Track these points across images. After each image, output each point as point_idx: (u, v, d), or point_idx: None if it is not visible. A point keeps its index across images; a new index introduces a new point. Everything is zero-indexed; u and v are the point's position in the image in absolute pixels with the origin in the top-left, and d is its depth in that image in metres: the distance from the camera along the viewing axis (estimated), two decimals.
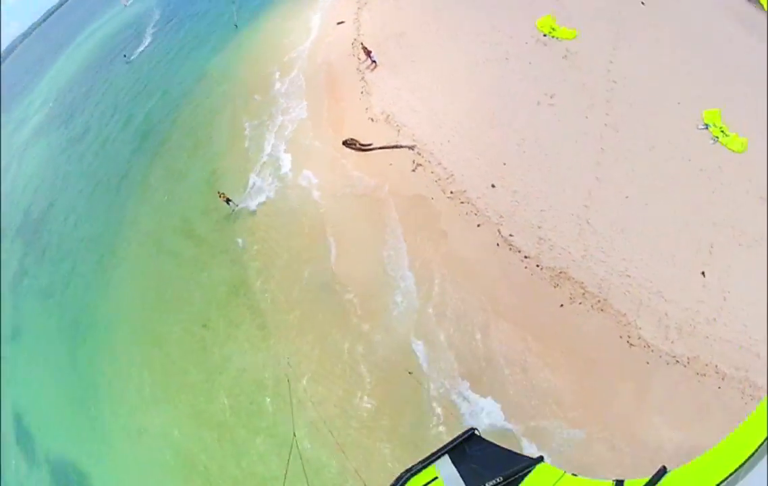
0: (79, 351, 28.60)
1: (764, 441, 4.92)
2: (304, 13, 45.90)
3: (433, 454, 8.47)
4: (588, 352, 17.54)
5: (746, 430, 5.38)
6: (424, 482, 8.03)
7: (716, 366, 17.10)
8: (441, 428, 17.57)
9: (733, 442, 5.42)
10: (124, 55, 61.77)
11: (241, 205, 28.80)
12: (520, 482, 7.55)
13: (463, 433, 8.84)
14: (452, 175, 24.23)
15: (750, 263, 19.29)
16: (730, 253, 19.70)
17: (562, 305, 18.88)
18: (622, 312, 18.43)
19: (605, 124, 25.42)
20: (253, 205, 28.79)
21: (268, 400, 21.01)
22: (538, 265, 20.00)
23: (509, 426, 16.79)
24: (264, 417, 20.71)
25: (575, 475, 7.61)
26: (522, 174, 23.55)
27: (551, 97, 27.26)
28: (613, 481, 6.82)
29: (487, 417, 17.10)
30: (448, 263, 21.34)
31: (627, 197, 21.88)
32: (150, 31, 66.96)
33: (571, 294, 19.02)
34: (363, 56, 34.50)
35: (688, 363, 17.29)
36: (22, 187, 49.08)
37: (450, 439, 8.72)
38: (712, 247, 20.05)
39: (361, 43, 34.99)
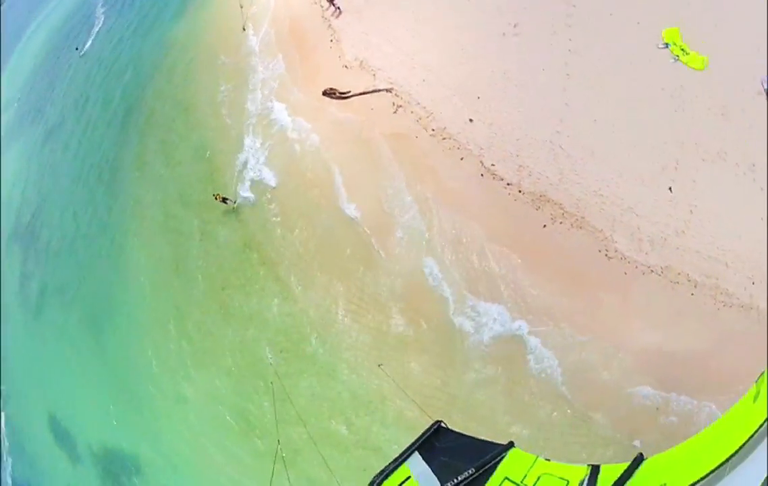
0: (107, 339, 28.98)
1: (753, 435, 4.71)
2: None
3: (402, 454, 8.41)
4: (572, 266, 18.88)
5: (731, 421, 5.25)
6: (397, 483, 7.99)
7: (688, 274, 18.56)
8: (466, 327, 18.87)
9: (717, 432, 5.38)
10: (77, 48, 56.67)
11: (239, 201, 28.24)
12: (493, 471, 7.47)
13: (430, 428, 8.80)
14: (431, 113, 24.65)
15: (714, 177, 20.64)
16: (695, 169, 20.93)
17: (545, 226, 20.08)
18: (598, 228, 19.69)
19: (569, 50, 26.02)
20: (249, 185, 28.62)
21: (298, 341, 22.33)
22: (519, 191, 20.99)
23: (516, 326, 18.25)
24: (302, 358, 21.72)
25: (548, 459, 7.62)
26: (495, 106, 24.13)
27: (515, 27, 27.62)
28: (588, 465, 6.73)
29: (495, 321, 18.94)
30: (441, 195, 22.21)
31: (595, 120, 22.80)
32: (100, 11, 61.28)
33: (551, 214, 20.18)
34: (326, 4, 33.74)
35: (662, 272, 18.77)
36: (6, 193, 45.54)
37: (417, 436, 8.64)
38: (677, 163, 21.24)
39: None
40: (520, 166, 21.62)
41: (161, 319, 26.96)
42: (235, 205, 27.87)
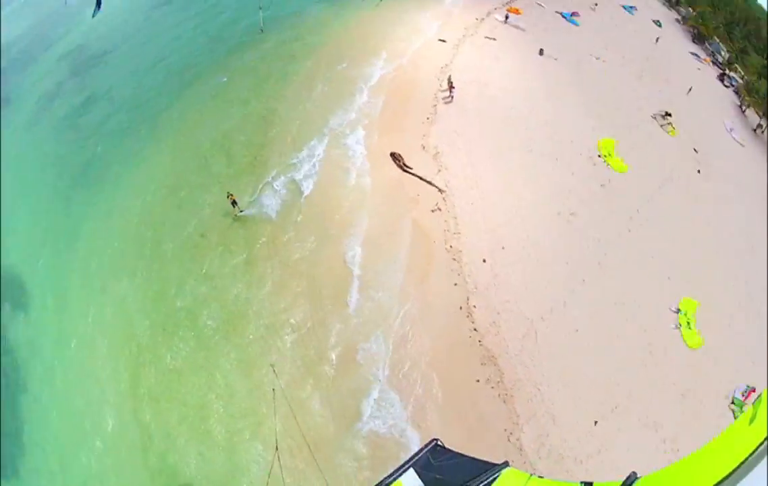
0: (78, 194, 30.02)
1: (747, 458, 4.57)
2: (423, 13, 48.61)
3: (397, 469, 8.41)
4: (476, 426, 21.11)
5: (726, 442, 5.13)
6: None
7: None
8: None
9: (712, 453, 5.22)
10: None
11: (245, 212, 28.49)
12: None
13: (427, 445, 8.90)
14: (459, 233, 27.61)
15: (636, 439, 22.52)
16: (626, 423, 22.91)
17: (478, 381, 22.45)
18: (517, 413, 21.87)
19: (598, 263, 28.57)
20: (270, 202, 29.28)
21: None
22: (479, 341, 23.59)
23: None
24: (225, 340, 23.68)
25: (542, 477, 7.91)
26: (510, 264, 26.95)
27: (571, 215, 30.40)
28: (581, 483, 6.75)
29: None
30: (420, 298, 24.95)
31: (576, 330, 25.19)
32: None
33: (490, 377, 22.56)
34: (446, 85, 37.43)
35: None
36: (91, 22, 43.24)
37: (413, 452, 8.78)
38: (616, 408, 23.34)
39: (449, 76, 37.76)
40: (494, 323, 24.23)
41: (139, 220, 28.38)
42: (240, 214, 28.14)
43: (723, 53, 67.23)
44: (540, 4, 57.88)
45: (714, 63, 65.24)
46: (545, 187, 31.91)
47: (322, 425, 20.62)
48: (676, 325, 27.70)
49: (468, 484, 7.54)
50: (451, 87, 37.02)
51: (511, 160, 33.17)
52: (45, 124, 35.80)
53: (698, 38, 70.05)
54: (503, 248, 27.56)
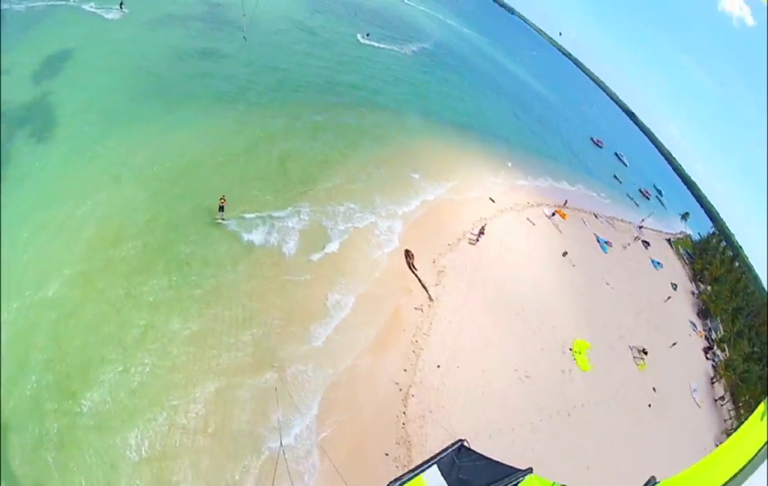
0: (145, 104, 34.13)
1: (758, 451, 4.82)
2: (493, 176, 56.56)
3: (421, 465, 8.44)
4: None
5: (740, 439, 5.29)
6: None
7: None
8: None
9: (727, 451, 5.38)
10: None
11: (227, 222, 29.37)
12: None
13: (453, 444, 8.87)
14: (428, 335, 30.80)
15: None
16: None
17: (387, 454, 24.10)
18: None
19: (531, 423, 30.82)
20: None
21: None
22: (403, 424, 25.58)
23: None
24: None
25: (564, 485, 7.74)
26: (457, 383, 29.46)
27: (526, 377, 33.15)
28: None
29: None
30: (372, 361, 27.78)
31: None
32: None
33: (398, 456, 24.15)
34: (476, 231, 43.15)
35: None
36: None
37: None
38: None
39: (484, 225, 43.97)
40: (422, 417, 26.34)
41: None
42: (222, 221, 28.90)
43: (719, 333, 70.91)
44: (584, 222, 63.89)
45: (706, 338, 68.88)
46: (515, 347, 35.00)
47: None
48: None
49: None
50: (480, 233, 42.28)
51: (497, 312, 36.76)
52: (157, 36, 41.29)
53: (702, 313, 74.31)
54: (458, 367, 30.22)
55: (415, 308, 32.17)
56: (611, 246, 64.60)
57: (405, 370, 28.18)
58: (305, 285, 29.02)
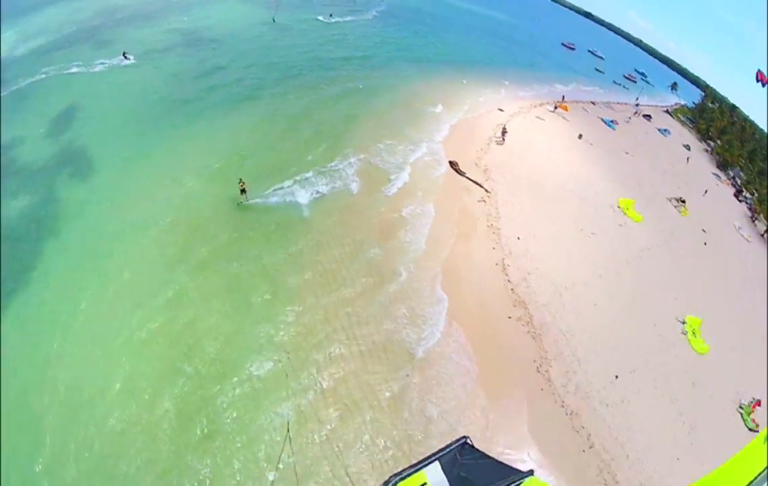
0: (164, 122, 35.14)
1: (759, 474, 4.93)
2: (495, 93, 60.88)
3: (423, 460, 8.48)
4: (507, 352, 24.85)
5: (741, 462, 5.38)
6: None
7: (590, 434, 22.90)
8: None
9: (728, 472, 5.43)
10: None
11: (251, 201, 29.36)
12: None
13: (456, 441, 8.93)
14: (499, 217, 33.70)
15: (655, 403, 25.93)
16: (646, 388, 26.40)
17: (510, 317, 26.54)
18: (545, 349, 25.59)
19: (616, 271, 33.17)
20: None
21: None
22: (512, 289, 28.04)
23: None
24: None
25: None
26: (539, 246, 32.03)
27: (592, 233, 35.82)
28: None
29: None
30: (464, 248, 30.41)
31: (595, 304, 29.44)
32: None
33: (520, 316, 26.67)
34: (500, 133, 46.30)
35: (570, 415, 23.42)
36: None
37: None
38: (634, 371, 26.89)
39: (504, 126, 47.49)
40: (524, 279, 28.86)
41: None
42: (245, 202, 29.07)
43: (742, 178, 74.01)
44: (585, 109, 66.67)
45: (733, 184, 71.88)
46: (570, 211, 37.89)
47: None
48: (683, 332, 31.45)
49: None
50: (504, 133, 45.65)
51: (546, 190, 39.60)
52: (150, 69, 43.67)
53: (722, 165, 77.31)
54: (534, 236, 32.82)
55: (479, 201, 34.65)
56: (617, 124, 67.53)
57: (493, 248, 30.56)
58: (384, 209, 31.83)
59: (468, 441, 8.78)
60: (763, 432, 5.43)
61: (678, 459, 23.53)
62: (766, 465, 4.98)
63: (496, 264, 29.59)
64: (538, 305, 27.75)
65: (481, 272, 28.80)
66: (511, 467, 8.40)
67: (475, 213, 33.68)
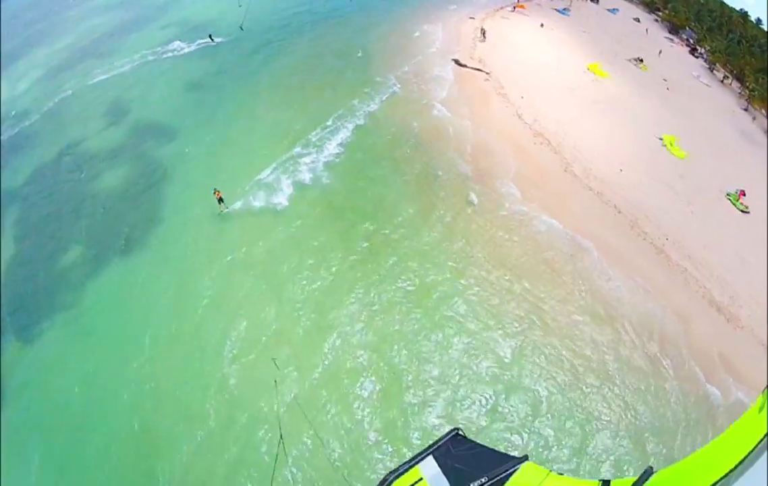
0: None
1: (757, 445, 5.15)
2: (460, 9, 74.27)
3: (417, 455, 9.20)
4: (540, 163, 39.75)
5: (738, 432, 5.65)
6: (408, 484, 8.71)
7: (615, 204, 37.40)
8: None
9: (724, 443, 5.76)
10: None
11: (228, 210, 35.02)
12: (505, 482, 8.14)
13: (447, 434, 9.66)
14: (503, 87, 49.25)
15: (650, 189, 40.66)
16: (642, 176, 41.20)
17: (534, 143, 41.31)
18: (566, 158, 40.82)
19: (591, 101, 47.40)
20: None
21: None
22: (530, 127, 42.26)
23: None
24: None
25: (561, 473, 8.44)
26: (539, 99, 45.80)
27: (572, 88, 49.63)
28: (599, 481, 7.41)
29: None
30: (485, 111, 44.65)
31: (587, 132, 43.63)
32: None
33: (542, 142, 42.16)
34: (479, 34, 61.69)
35: (597, 194, 38.33)
36: None
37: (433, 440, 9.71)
38: (631, 166, 41.07)
39: (482, 28, 63.46)
40: (535, 121, 43.50)
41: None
42: (225, 211, 34.92)
43: (695, 37, 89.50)
44: (539, 4, 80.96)
45: (687, 45, 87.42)
46: (552, 77, 54.17)
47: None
48: (662, 145, 46.21)
49: (486, 474, 8.28)
50: (483, 33, 61.69)
51: (528, 65, 55.37)
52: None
53: (673, 30, 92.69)
54: (532, 96, 48.79)
55: (485, 80, 49.43)
56: (570, 10, 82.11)
57: (506, 106, 45.47)
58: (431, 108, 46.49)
59: (460, 432, 9.67)
60: (759, 399, 5.74)
61: (686, 219, 38.44)
62: (765, 433, 5.17)
63: (512, 115, 44.31)
64: (550, 133, 42.59)
65: (504, 121, 43.46)
66: (505, 454, 9.28)
67: (486, 89, 49.60)
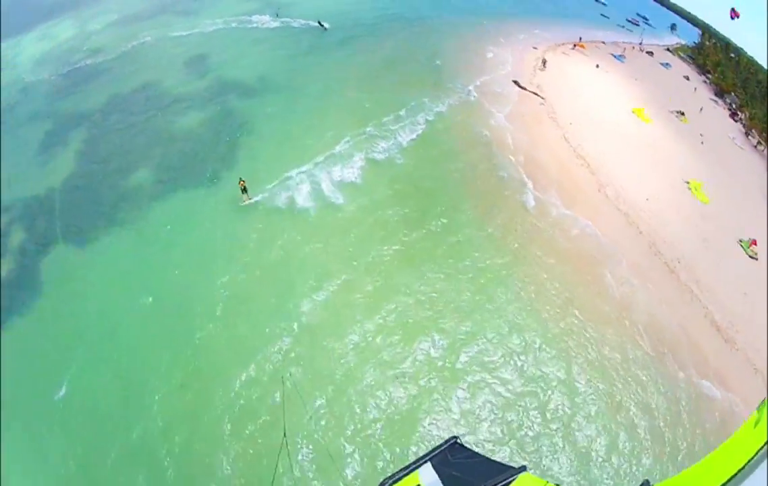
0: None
1: (751, 459, 5.32)
2: (525, 36, 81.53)
3: (415, 462, 9.49)
4: (582, 185, 46.09)
5: (733, 447, 5.79)
6: None
7: (638, 225, 43.98)
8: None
9: (719, 458, 5.89)
10: None
11: (253, 200, 37.21)
12: None
13: (446, 442, 10.01)
14: (555, 113, 55.79)
15: (675, 216, 46.85)
16: (666, 208, 47.33)
17: (576, 163, 47.49)
18: (600, 180, 47.41)
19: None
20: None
21: None
22: (568, 139, 48.93)
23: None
24: None
25: (558, 485, 9.05)
26: (583, 124, 52.78)
27: (618, 126, 56.62)
28: None
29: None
30: (536, 131, 51.28)
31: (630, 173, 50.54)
32: None
33: (581, 163, 48.37)
34: (541, 63, 67.91)
35: (624, 214, 44.71)
36: None
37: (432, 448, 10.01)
38: (656, 199, 47.67)
39: (544, 58, 70.31)
40: (580, 144, 49.97)
41: None
42: (249, 202, 36.75)
43: (737, 102, 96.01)
44: (597, 47, 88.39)
45: (729, 109, 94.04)
46: (598, 111, 59.82)
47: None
48: (688, 188, 52.47)
49: (484, 483, 8.38)
50: (544, 63, 68.56)
51: (580, 96, 61.23)
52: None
53: (719, 93, 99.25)
54: (579, 123, 55.05)
55: (539, 104, 56.12)
56: (625, 58, 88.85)
57: (555, 129, 51.50)
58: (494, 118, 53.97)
59: (458, 441, 10.22)
60: (754, 415, 5.88)
61: (699, 252, 44.47)
62: (760, 446, 5.32)
63: (560, 138, 51.31)
64: (590, 158, 49.49)
65: (553, 141, 50.57)
66: (502, 464, 9.80)
67: (540, 111, 56.22)
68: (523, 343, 29.91)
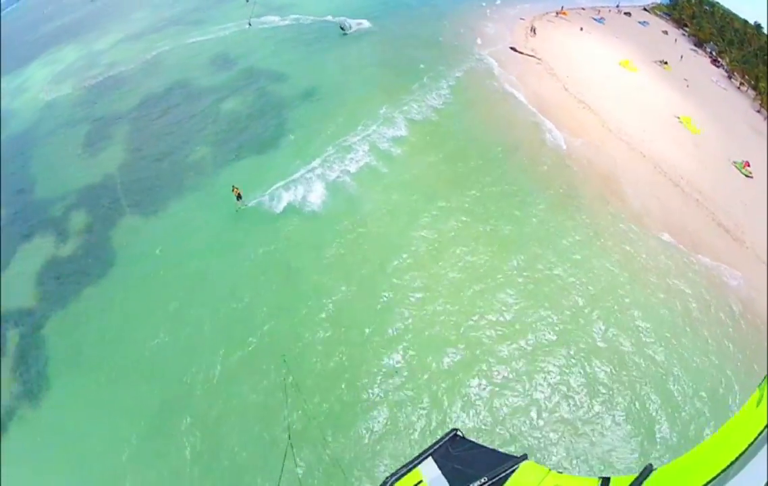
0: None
1: (755, 438, 5.29)
2: (509, 10, 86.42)
3: (416, 458, 9.53)
4: (585, 123, 51.47)
5: (736, 426, 5.79)
6: None
7: (641, 151, 49.27)
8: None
9: (723, 438, 5.92)
10: None
11: (249, 204, 37.59)
12: (505, 481, 8.35)
13: (446, 435, 10.05)
14: (553, 68, 61.54)
15: (670, 145, 52.40)
16: (660, 137, 52.88)
17: (578, 107, 52.91)
18: (602, 117, 52.33)
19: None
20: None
21: None
22: (573, 95, 54.38)
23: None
24: None
25: (560, 472, 8.63)
26: (581, 77, 58.30)
27: (610, 76, 62.28)
28: (599, 478, 7.54)
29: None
30: (541, 85, 56.91)
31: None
32: None
33: (583, 106, 53.68)
34: (530, 30, 73.70)
35: (626, 144, 49.80)
36: None
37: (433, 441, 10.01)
38: (653, 132, 53.16)
39: (533, 26, 76.45)
40: (580, 91, 55.27)
41: None
42: (243, 208, 37.19)
43: (716, 49, 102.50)
44: (578, 13, 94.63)
45: (709, 56, 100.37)
46: (589, 66, 65.72)
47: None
48: (679, 122, 58.12)
49: (486, 474, 8.47)
50: (533, 30, 74.65)
51: (571, 56, 67.26)
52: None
53: (697, 44, 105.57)
54: (576, 76, 60.59)
55: (536, 64, 61.89)
56: (605, 20, 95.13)
57: (556, 82, 57.46)
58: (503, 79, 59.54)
59: (458, 433, 10.23)
60: (755, 394, 5.87)
61: (699, 171, 50.25)
62: (763, 426, 5.28)
63: (561, 88, 57.20)
64: (590, 101, 54.65)
65: (555, 91, 56.23)
66: (504, 453, 9.68)
67: (539, 70, 62.00)
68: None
